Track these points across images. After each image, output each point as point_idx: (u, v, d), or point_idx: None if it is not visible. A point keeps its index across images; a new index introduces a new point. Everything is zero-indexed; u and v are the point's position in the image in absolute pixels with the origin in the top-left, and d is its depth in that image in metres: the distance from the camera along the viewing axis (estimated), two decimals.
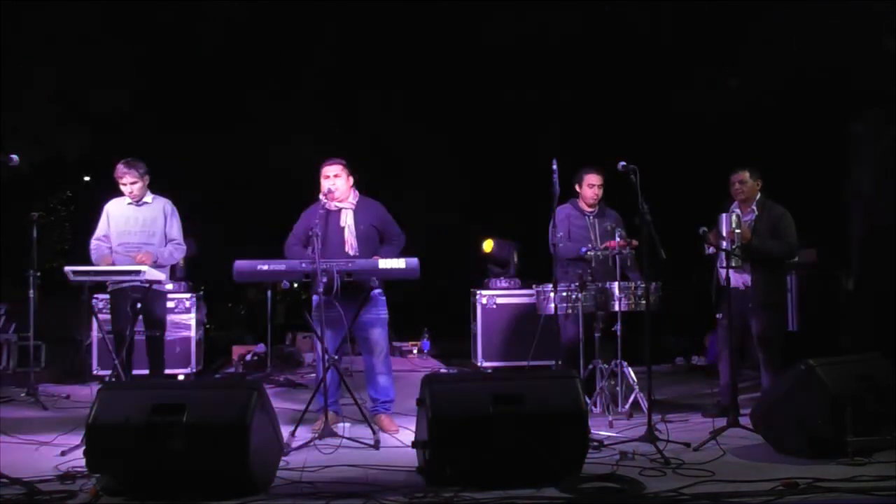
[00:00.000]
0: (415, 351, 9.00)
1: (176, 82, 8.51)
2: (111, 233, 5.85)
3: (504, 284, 7.93)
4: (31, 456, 4.63)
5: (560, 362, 5.79)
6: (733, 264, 5.31)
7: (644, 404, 5.29)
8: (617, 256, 5.74)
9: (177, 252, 5.92)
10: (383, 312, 5.45)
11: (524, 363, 7.35)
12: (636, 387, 5.71)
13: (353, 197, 5.48)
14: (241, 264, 5.04)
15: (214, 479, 3.78)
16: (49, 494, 3.79)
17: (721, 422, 4.94)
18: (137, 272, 5.32)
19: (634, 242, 5.67)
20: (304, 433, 4.92)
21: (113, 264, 5.67)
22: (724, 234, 5.40)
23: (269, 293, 8.31)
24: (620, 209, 6.15)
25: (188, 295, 7.52)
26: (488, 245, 8.58)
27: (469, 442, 3.96)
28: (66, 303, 7.49)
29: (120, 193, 5.86)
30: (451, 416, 3.97)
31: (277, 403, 5.48)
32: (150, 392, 4.02)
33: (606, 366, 5.78)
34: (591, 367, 5.77)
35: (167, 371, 6.24)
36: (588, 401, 4.41)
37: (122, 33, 8.08)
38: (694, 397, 6.42)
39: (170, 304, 6.87)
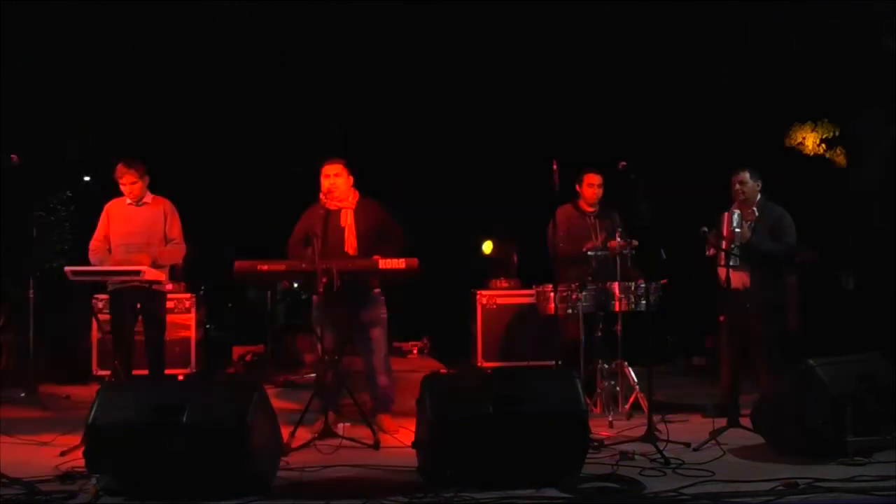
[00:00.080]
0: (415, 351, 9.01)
1: (176, 82, 8.51)
2: (111, 233, 5.84)
3: (504, 284, 7.93)
4: (31, 456, 4.63)
5: (560, 362, 5.79)
6: (733, 264, 5.31)
7: (644, 404, 5.29)
8: (617, 256, 5.74)
9: (177, 251, 5.91)
10: (383, 312, 5.45)
11: (524, 363, 7.40)
12: (636, 387, 5.72)
13: (352, 197, 5.48)
14: (241, 264, 5.05)
15: (214, 479, 3.78)
16: (49, 494, 3.80)
17: (721, 422, 4.94)
18: (137, 272, 5.33)
19: (634, 242, 5.68)
20: (304, 433, 4.92)
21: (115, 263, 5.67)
22: (724, 234, 5.41)
23: (269, 293, 8.31)
24: (620, 209, 6.15)
25: (188, 295, 7.52)
26: (488, 247, 8.59)
27: (469, 442, 3.96)
28: (66, 303, 7.49)
29: (120, 193, 5.86)
30: (451, 416, 3.97)
31: (277, 403, 5.49)
32: (150, 392, 4.03)
33: (607, 366, 5.79)
34: (591, 367, 5.77)
35: (167, 371, 6.23)
36: (588, 401, 4.40)
37: (122, 33, 8.07)
38: (694, 397, 6.42)
39: (170, 304, 6.86)
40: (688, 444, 4.72)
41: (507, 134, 8.85)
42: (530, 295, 6.97)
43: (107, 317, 5.95)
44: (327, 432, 4.85)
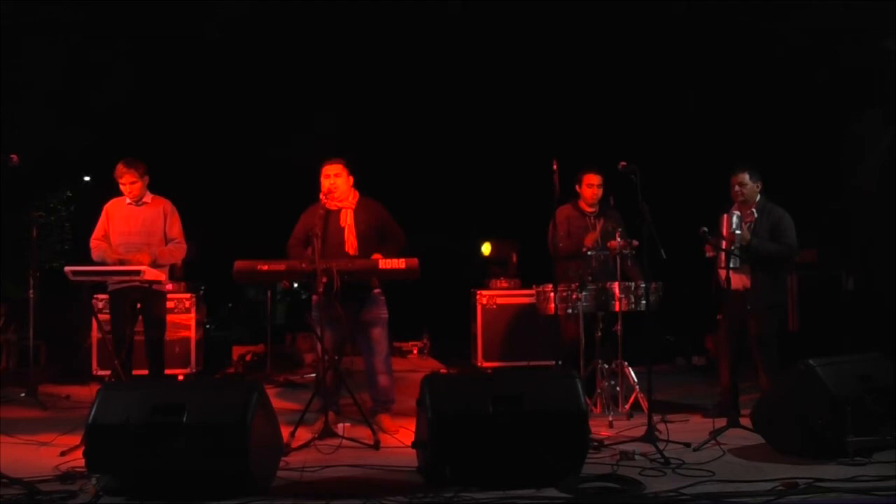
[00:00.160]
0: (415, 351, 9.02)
1: (176, 82, 8.51)
2: (111, 232, 5.84)
3: (504, 284, 7.93)
4: (31, 456, 4.63)
5: (560, 362, 5.79)
6: (733, 265, 5.31)
7: (644, 404, 5.30)
8: (617, 256, 5.74)
9: (177, 251, 5.91)
10: (383, 312, 5.45)
11: (524, 363, 7.41)
12: (636, 387, 5.72)
13: (353, 197, 5.47)
14: (241, 264, 5.05)
15: (214, 479, 3.78)
16: (49, 494, 3.79)
17: (721, 422, 4.94)
18: (137, 272, 5.33)
19: (635, 242, 5.68)
20: (304, 433, 4.92)
21: (116, 259, 5.67)
22: (724, 236, 5.40)
23: (269, 293, 8.31)
24: (621, 209, 6.15)
25: (188, 295, 7.53)
26: (487, 248, 8.59)
27: (469, 442, 3.96)
28: (66, 303, 7.49)
29: (120, 193, 5.86)
30: (451, 417, 3.97)
31: (277, 403, 5.50)
32: (150, 392, 4.02)
33: (607, 366, 5.79)
34: (591, 367, 5.77)
35: (167, 371, 6.24)
36: (588, 401, 4.41)
37: (122, 32, 8.07)
38: (694, 397, 6.43)
39: (170, 304, 6.88)
40: (688, 444, 4.72)
41: (507, 134, 8.85)
42: (530, 295, 6.98)
43: (107, 317, 5.95)
44: (327, 432, 4.85)
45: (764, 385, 5.54)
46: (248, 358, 8.29)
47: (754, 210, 5.63)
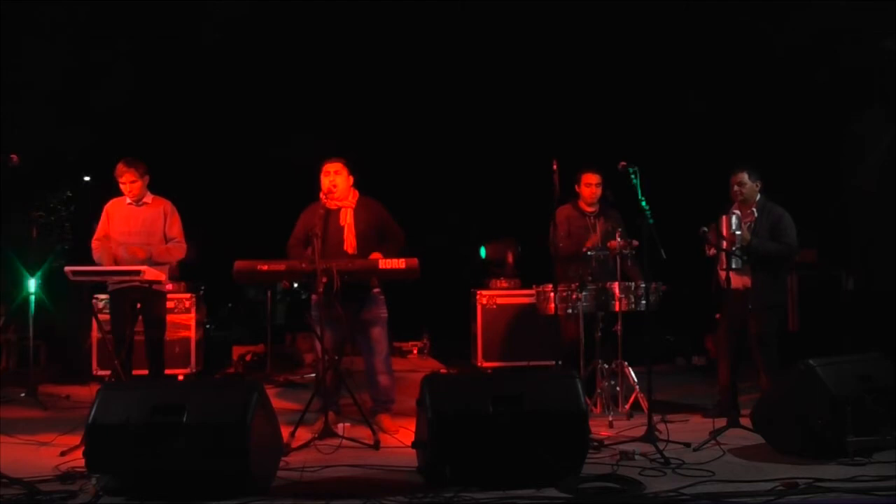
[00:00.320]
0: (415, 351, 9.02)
1: (177, 82, 8.51)
2: (111, 232, 5.84)
3: (504, 284, 7.93)
4: (31, 456, 4.64)
5: (560, 362, 5.79)
6: (733, 266, 5.31)
7: (644, 404, 5.30)
8: (617, 256, 5.74)
9: (176, 250, 5.90)
10: (383, 312, 5.45)
11: (524, 363, 7.40)
12: (636, 387, 5.72)
13: (352, 196, 5.47)
14: (241, 264, 5.05)
15: (214, 479, 3.78)
16: (49, 494, 3.80)
17: (721, 422, 4.94)
18: (137, 272, 5.33)
19: (635, 242, 5.67)
20: (304, 433, 4.92)
21: (118, 258, 5.67)
22: (724, 236, 5.40)
23: (269, 293, 8.31)
24: (621, 209, 6.15)
25: (188, 295, 7.53)
26: (484, 251, 8.58)
27: (469, 442, 3.96)
28: (66, 303, 7.48)
29: (120, 193, 5.87)
30: (451, 417, 3.97)
31: (277, 403, 5.50)
32: (150, 392, 4.02)
33: (607, 366, 5.79)
34: (591, 367, 5.77)
35: (167, 371, 6.24)
36: (588, 401, 4.41)
37: (122, 32, 8.07)
38: (694, 397, 6.43)
39: (170, 304, 6.87)
40: (688, 444, 4.72)
41: (507, 134, 8.85)
42: (530, 295, 6.97)
43: (107, 317, 5.95)
44: (327, 432, 4.85)
45: (764, 385, 5.55)
46: (248, 358, 8.29)
47: (754, 209, 5.64)
